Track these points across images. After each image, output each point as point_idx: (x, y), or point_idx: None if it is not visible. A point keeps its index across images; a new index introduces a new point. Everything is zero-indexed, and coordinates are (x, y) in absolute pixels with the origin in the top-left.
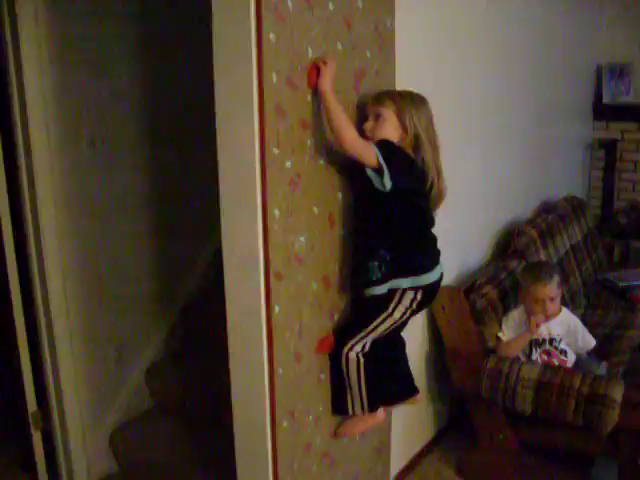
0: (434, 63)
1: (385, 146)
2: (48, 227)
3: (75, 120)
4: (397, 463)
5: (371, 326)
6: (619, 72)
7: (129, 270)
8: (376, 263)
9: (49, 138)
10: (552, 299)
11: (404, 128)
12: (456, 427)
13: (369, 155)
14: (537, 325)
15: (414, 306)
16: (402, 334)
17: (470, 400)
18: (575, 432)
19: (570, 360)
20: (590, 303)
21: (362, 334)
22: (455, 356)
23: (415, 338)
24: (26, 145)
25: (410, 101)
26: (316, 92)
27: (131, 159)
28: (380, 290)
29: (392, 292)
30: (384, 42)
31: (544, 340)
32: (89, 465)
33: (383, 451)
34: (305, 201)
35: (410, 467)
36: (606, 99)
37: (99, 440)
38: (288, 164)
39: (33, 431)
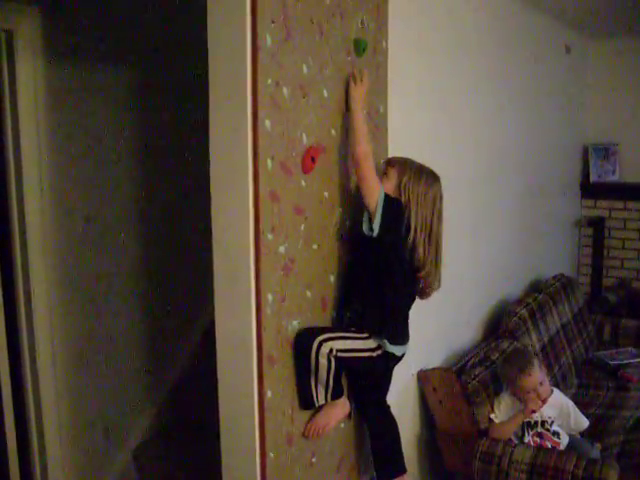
0: (425, 145)
1: (387, 197)
2: (39, 305)
3: (70, 197)
4: None
5: (345, 333)
6: (605, 152)
7: (118, 349)
8: (348, 314)
9: (43, 213)
10: (541, 383)
11: (399, 192)
12: None
13: (373, 189)
14: (534, 411)
15: (374, 355)
16: (395, 416)
17: None
18: None
19: (563, 442)
20: (582, 382)
21: (338, 333)
22: (447, 438)
23: (406, 419)
24: (21, 220)
25: (415, 172)
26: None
27: (123, 235)
28: (349, 315)
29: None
30: (377, 127)
31: (536, 422)
32: None
33: None
34: (298, 285)
35: None
36: (593, 178)
37: None
38: (282, 249)
39: None
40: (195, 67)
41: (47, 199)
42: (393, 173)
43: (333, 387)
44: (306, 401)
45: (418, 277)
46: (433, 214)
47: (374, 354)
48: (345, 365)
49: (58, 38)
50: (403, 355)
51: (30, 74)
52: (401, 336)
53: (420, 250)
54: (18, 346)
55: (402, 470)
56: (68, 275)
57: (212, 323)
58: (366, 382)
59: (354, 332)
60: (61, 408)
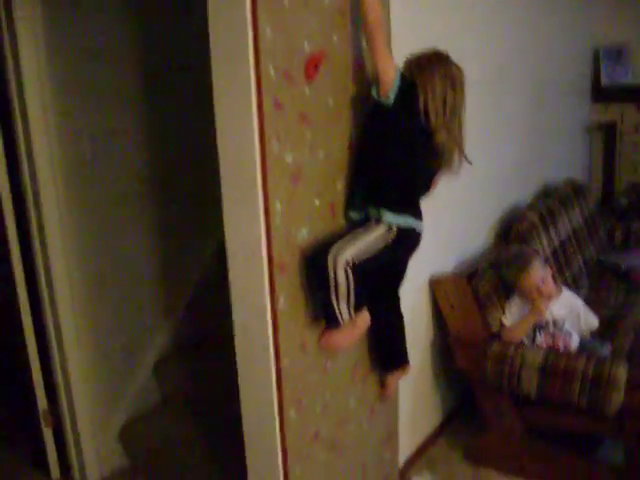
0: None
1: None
2: (52, 225)
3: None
4: (405, 450)
5: (354, 234)
6: (617, 54)
7: (134, 265)
8: (359, 190)
9: (49, 135)
10: (543, 280)
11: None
12: (463, 413)
13: (389, 64)
14: (546, 307)
15: (388, 240)
16: (405, 319)
17: (476, 385)
18: (581, 414)
19: (574, 342)
20: (593, 285)
21: (347, 239)
22: (460, 342)
23: (419, 324)
24: (27, 138)
25: (425, 60)
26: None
27: (135, 152)
28: (357, 216)
29: (368, 219)
30: None
31: (547, 323)
32: (100, 460)
33: (391, 438)
34: (306, 194)
35: (418, 453)
36: (604, 81)
37: (109, 435)
38: (288, 158)
39: (44, 428)
40: None
41: (52, 121)
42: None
43: (355, 300)
44: (331, 320)
45: (435, 159)
46: (446, 90)
47: (389, 240)
48: (363, 269)
49: None
50: (418, 235)
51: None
52: (411, 208)
53: (441, 132)
54: (34, 267)
55: (406, 361)
56: (81, 197)
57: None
58: (383, 274)
59: (362, 228)
60: (80, 326)
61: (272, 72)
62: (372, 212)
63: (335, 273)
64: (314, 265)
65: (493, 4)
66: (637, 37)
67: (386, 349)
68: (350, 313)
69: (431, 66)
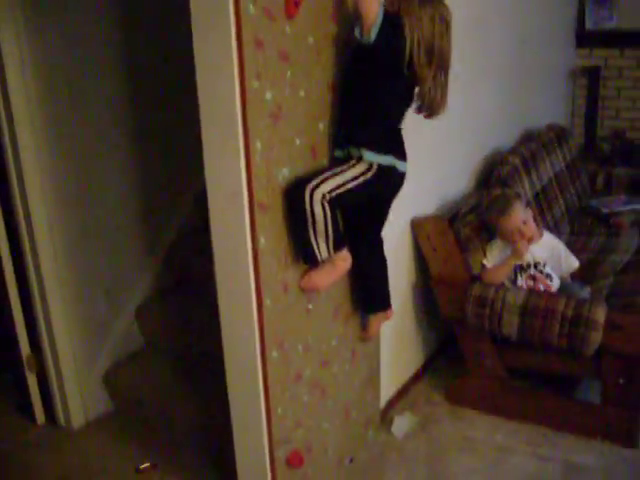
0: None
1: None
2: (32, 173)
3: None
4: (387, 391)
5: (333, 170)
6: None
7: (115, 210)
8: (341, 129)
9: (27, 92)
10: (524, 222)
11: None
12: (444, 354)
13: (370, 3)
14: (526, 249)
15: (368, 176)
16: (387, 261)
17: (457, 327)
18: (560, 355)
19: (555, 285)
20: (574, 230)
21: (326, 174)
22: (441, 284)
23: (401, 267)
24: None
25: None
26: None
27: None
28: (341, 154)
29: (350, 158)
30: None
31: (529, 265)
32: (85, 405)
33: (373, 379)
34: (287, 133)
35: (400, 394)
36: (589, 25)
37: (93, 380)
38: (268, 96)
39: (28, 374)
40: None
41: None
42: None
43: (333, 237)
44: (309, 257)
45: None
46: (434, 35)
47: (368, 175)
48: (341, 204)
49: None
50: (402, 175)
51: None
52: (393, 146)
53: (420, 71)
54: (14, 216)
55: (389, 305)
56: (61, 145)
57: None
58: (364, 215)
59: (342, 165)
60: (61, 273)
61: (252, 8)
62: (353, 151)
63: (312, 207)
64: (291, 199)
65: None
66: None
67: (368, 291)
68: (329, 251)
69: (421, 4)
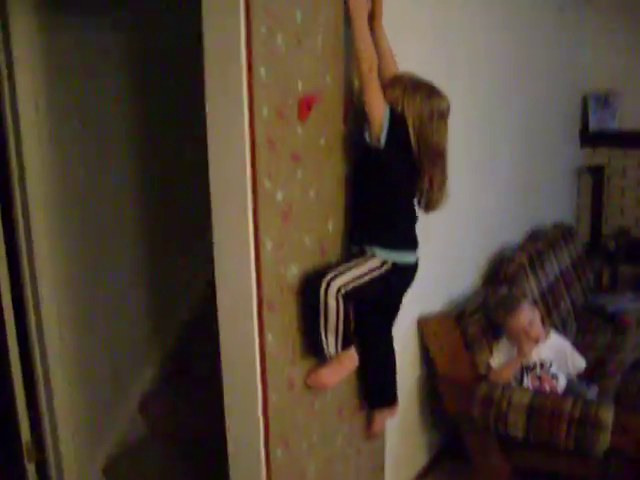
0: None
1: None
2: (42, 261)
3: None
4: None
5: (349, 264)
6: (604, 100)
7: (124, 300)
8: (355, 227)
9: (43, 163)
10: (531, 323)
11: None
12: (450, 453)
13: (377, 105)
14: (531, 351)
15: (382, 271)
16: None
17: (463, 426)
18: (568, 456)
19: (561, 385)
20: (580, 327)
21: (342, 268)
22: (448, 382)
23: (408, 364)
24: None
25: (409, 87)
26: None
27: (125, 157)
28: (355, 249)
29: (363, 251)
30: None
31: (535, 365)
32: None
33: (378, 478)
34: (296, 232)
35: None
36: (592, 126)
37: (94, 471)
38: (279, 196)
39: (27, 463)
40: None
41: (47, 149)
42: (390, 98)
43: (343, 334)
44: (317, 351)
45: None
46: (433, 131)
47: (382, 270)
48: (356, 297)
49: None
50: (414, 267)
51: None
52: (405, 242)
53: (423, 167)
54: (23, 303)
55: (395, 401)
56: (72, 225)
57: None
58: (377, 308)
59: (358, 259)
60: (67, 354)
61: (265, 111)
62: (367, 248)
63: (326, 301)
64: (307, 291)
65: (485, 49)
66: (623, 84)
67: (376, 386)
68: (337, 347)
69: (421, 99)
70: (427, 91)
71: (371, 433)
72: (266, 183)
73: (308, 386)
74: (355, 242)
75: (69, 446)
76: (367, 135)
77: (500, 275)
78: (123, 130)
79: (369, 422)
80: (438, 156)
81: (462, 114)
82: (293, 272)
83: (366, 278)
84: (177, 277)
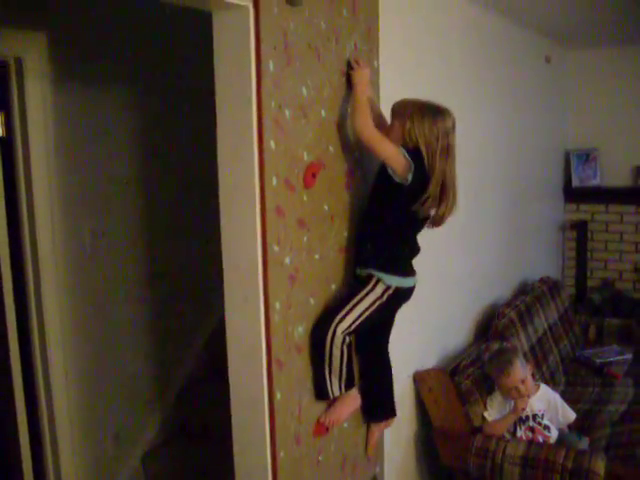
0: None
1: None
2: (50, 315)
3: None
4: None
5: (353, 301)
6: (586, 157)
7: (126, 356)
8: (363, 250)
9: (53, 226)
10: (522, 381)
11: (405, 139)
12: None
13: (396, 158)
14: (523, 408)
15: (384, 298)
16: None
17: (459, 478)
18: None
19: (553, 436)
20: (569, 380)
21: (347, 308)
22: (443, 435)
23: (403, 418)
24: (32, 233)
25: (416, 113)
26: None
27: (131, 249)
28: (360, 272)
29: (370, 278)
30: None
31: (527, 417)
32: None
33: None
34: (302, 293)
35: None
36: (575, 183)
37: None
38: (287, 260)
39: None
40: (199, 81)
41: (56, 214)
42: (397, 122)
43: (346, 376)
44: (321, 392)
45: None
46: (442, 150)
47: (384, 298)
48: (358, 331)
49: (66, 65)
50: (412, 289)
51: (39, 98)
52: (409, 269)
53: (432, 186)
54: (30, 356)
55: (394, 413)
56: (77, 284)
57: (214, 331)
58: (373, 330)
59: (362, 291)
60: (73, 416)
61: (274, 181)
62: (373, 272)
63: (331, 350)
64: (315, 337)
65: (471, 110)
66: (604, 142)
67: (376, 398)
68: (341, 388)
69: (429, 123)
70: (432, 113)
71: (369, 444)
72: (275, 248)
73: (317, 433)
74: (361, 265)
75: None
76: (392, 172)
77: (491, 330)
78: (136, 190)
79: (366, 438)
80: (449, 173)
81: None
82: (299, 331)
83: (369, 311)
84: (177, 338)
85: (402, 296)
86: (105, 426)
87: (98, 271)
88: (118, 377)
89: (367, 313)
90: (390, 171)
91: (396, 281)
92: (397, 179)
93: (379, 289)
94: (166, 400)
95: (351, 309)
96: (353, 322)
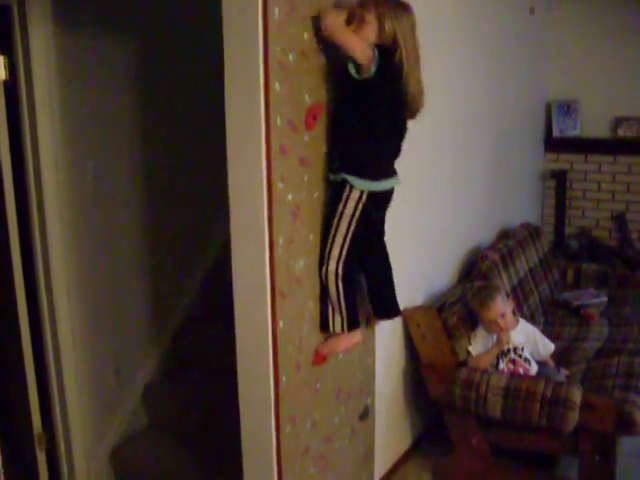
0: None
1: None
2: (55, 255)
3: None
4: (380, 469)
5: (333, 228)
6: (567, 108)
7: (127, 292)
8: (335, 153)
9: (57, 171)
10: (502, 315)
11: (382, 31)
12: (432, 435)
13: (362, 52)
14: (507, 341)
15: (363, 202)
16: (380, 349)
17: (445, 409)
18: (540, 433)
19: (533, 369)
20: (548, 320)
21: (330, 241)
22: (430, 369)
23: (393, 353)
24: (38, 187)
25: (392, 9)
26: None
27: (133, 190)
28: (334, 177)
29: (344, 184)
30: None
31: (509, 350)
32: None
33: (368, 457)
34: (303, 229)
35: (392, 472)
36: (556, 133)
37: (101, 458)
38: (290, 197)
39: (38, 452)
40: (205, 25)
41: (60, 154)
42: (372, 18)
43: (348, 317)
44: (323, 325)
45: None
46: (415, 44)
47: (362, 201)
48: (354, 251)
49: (69, 9)
50: (390, 192)
51: (42, 41)
52: (384, 172)
53: (412, 80)
54: (37, 300)
55: (399, 310)
56: (80, 222)
57: (212, 269)
58: (368, 233)
59: (337, 203)
60: (77, 353)
61: (279, 121)
62: (347, 177)
63: (327, 284)
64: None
65: (454, 62)
66: (584, 94)
67: (380, 298)
68: (343, 327)
69: (403, 17)
70: (402, 8)
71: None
72: (279, 185)
73: (316, 362)
74: (333, 170)
75: (78, 436)
76: (353, 69)
77: (475, 271)
78: (136, 133)
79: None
80: (418, 63)
81: (438, 125)
82: (300, 265)
83: (353, 227)
84: (174, 276)
85: (380, 200)
86: (106, 362)
87: (100, 210)
88: (118, 314)
89: (351, 229)
90: (352, 69)
91: (369, 186)
92: (355, 73)
93: (354, 195)
94: (164, 335)
95: (334, 234)
96: (340, 255)
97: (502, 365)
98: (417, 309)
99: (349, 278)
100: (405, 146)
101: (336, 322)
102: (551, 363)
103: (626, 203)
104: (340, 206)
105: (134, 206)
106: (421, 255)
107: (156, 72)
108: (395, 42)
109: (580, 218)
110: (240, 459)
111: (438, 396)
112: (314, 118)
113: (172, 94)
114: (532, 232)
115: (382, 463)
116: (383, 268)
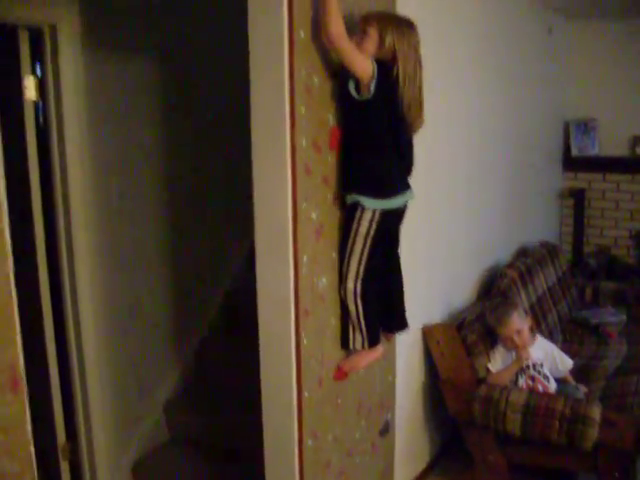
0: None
1: (379, 65)
2: (81, 271)
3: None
4: None
5: (349, 247)
6: (585, 127)
7: (151, 307)
8: (345, 174)
9: (84, 191)
10: (519, 332)
11: (382, 45)
12: (451, 451)
13: (362, 65)
14: (526, 357)
15: (376, 221)
16: (400, 365)
17: (463, 425)
18: (559, 450)
19: (551, 386)
20: (566, 338)
21: (347, 260)
22: (449, 386)
23: (412, 369)
24: (65, 199)
25: (396, 26)
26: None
27: (154, 211)
28: (349, 199)
29: (356, 205)
30: None
31: (528, 366)
32: None
33: (387, 473)
34: (326, 247)
35: None
36: (574, 152)
37: (123, 469)
38: (314, 216)
39: (61, 462)
40: (230, 48)
41: (88, 178)
42: (374, 32)
43: (369, 335)
44: (344, 341)
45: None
46: (416, 62)
47: (375, 220)
48: (372, 264)
49: (97, 32)
50: (403, 209)
51: (71, 63)
52: (394, 188)
53: (406, 99)
54: (63, 313)
55: (406, 324)
56: (105, 250)
57: (234, 284)
58: (383, 245)
59: (351, 222)
60: (102, 367)
61: (304, 142)
62: (358, 199)
63: (348, 303)
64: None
65: (475, 81)
66: (602, 112)
67: (390, 310)
68: (364, 345)
69: (406, 34)
70: (408, 25)
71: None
72: (303, 204)
73: (338, 377)
74: (347, 191)
75: (101, 448)
76: (353, 89)
77: (494, 289)
78: (162, 151)
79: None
80: (419, 84)
81: (456, 143)
82: (323, 282)
83: (367, 253)
84: (197, 290)
85: (394, 216)
86: (130, 376)
87: (125, 226)
88: (142, 328)
89: (366, 248)
90: (352, 87)
91: (379, 204)
92: (355, 93)
93: (367, 215)
94: (187, 350)
95: (351, 253)
96: (357, 273)
97: (521, 381)
98: (437, 326)
99: (369, 297)
100: (423, 164)
101: (357, 340)
102: (570, 380)
103: None
104: (354, 225)
105: (159, 222)
106: (440, 272)
107: (181, 90)
108: (394, 57)
109: (598, 237)
110: (262, 473)
111: (457, 412)
112: (337, 138)
113: (197, 113)
114: (550, 250)
115: (401, 479)
116: (397, 282)
